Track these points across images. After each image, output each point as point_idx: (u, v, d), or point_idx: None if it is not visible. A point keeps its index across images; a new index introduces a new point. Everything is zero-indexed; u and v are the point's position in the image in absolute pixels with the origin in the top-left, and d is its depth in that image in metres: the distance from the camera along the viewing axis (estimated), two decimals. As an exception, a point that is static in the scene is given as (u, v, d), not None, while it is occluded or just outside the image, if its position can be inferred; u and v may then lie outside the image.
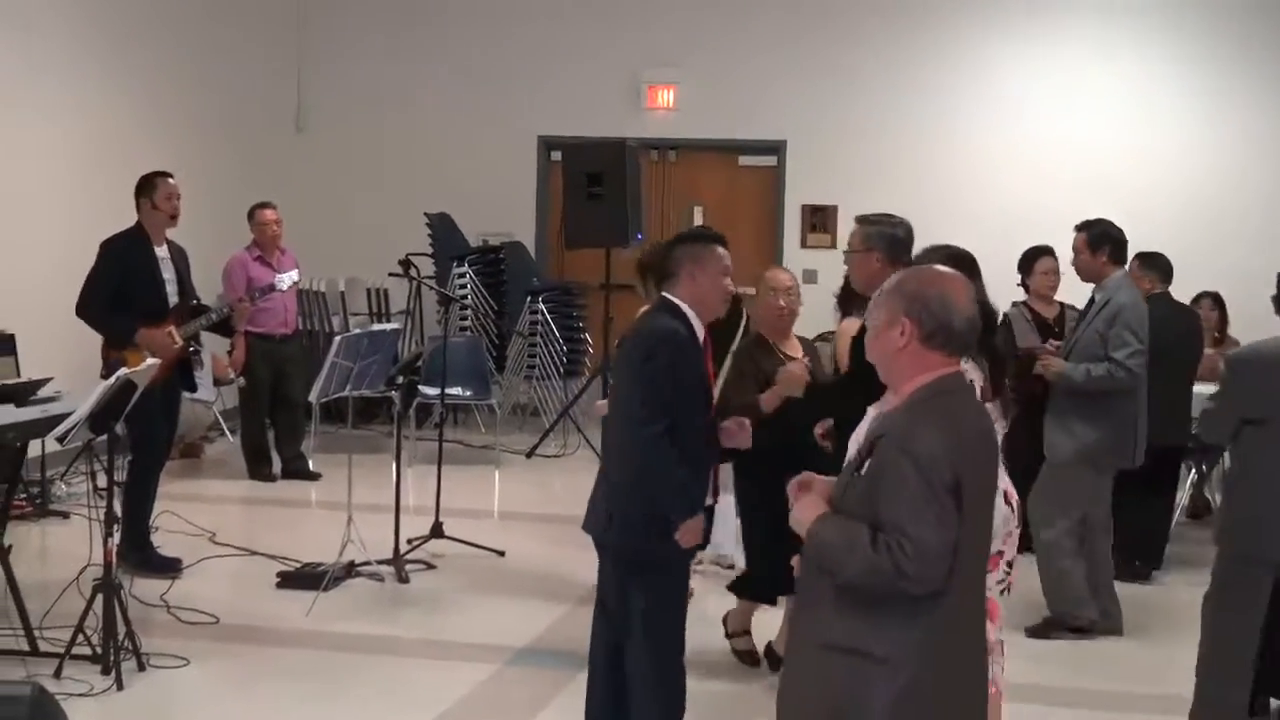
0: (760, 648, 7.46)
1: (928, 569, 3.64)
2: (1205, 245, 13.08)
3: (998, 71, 14.79)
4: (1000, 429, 5.57)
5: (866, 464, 3.78)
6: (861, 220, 6.86)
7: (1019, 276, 9.92)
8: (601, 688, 5.76)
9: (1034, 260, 9.87)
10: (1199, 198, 14.02)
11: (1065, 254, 9.58)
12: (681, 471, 5.46)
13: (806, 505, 3.92)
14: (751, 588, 7.43)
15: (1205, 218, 13.88)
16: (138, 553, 8.64)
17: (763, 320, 7.36)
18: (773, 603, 7.48)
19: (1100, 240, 8.10)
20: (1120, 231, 8.16)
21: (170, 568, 8.74)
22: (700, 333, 5.67)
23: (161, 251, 8.90)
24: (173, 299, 8.86)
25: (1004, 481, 5.54)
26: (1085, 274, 8.23)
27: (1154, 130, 14.51)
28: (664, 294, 5.70)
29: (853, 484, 3.84)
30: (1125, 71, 14.61)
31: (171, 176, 8.99)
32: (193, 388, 9.32)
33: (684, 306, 5.64)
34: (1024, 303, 9.87)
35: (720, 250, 5.73)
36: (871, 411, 4.39)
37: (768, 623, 7.49)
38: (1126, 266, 8.40)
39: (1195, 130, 14.45)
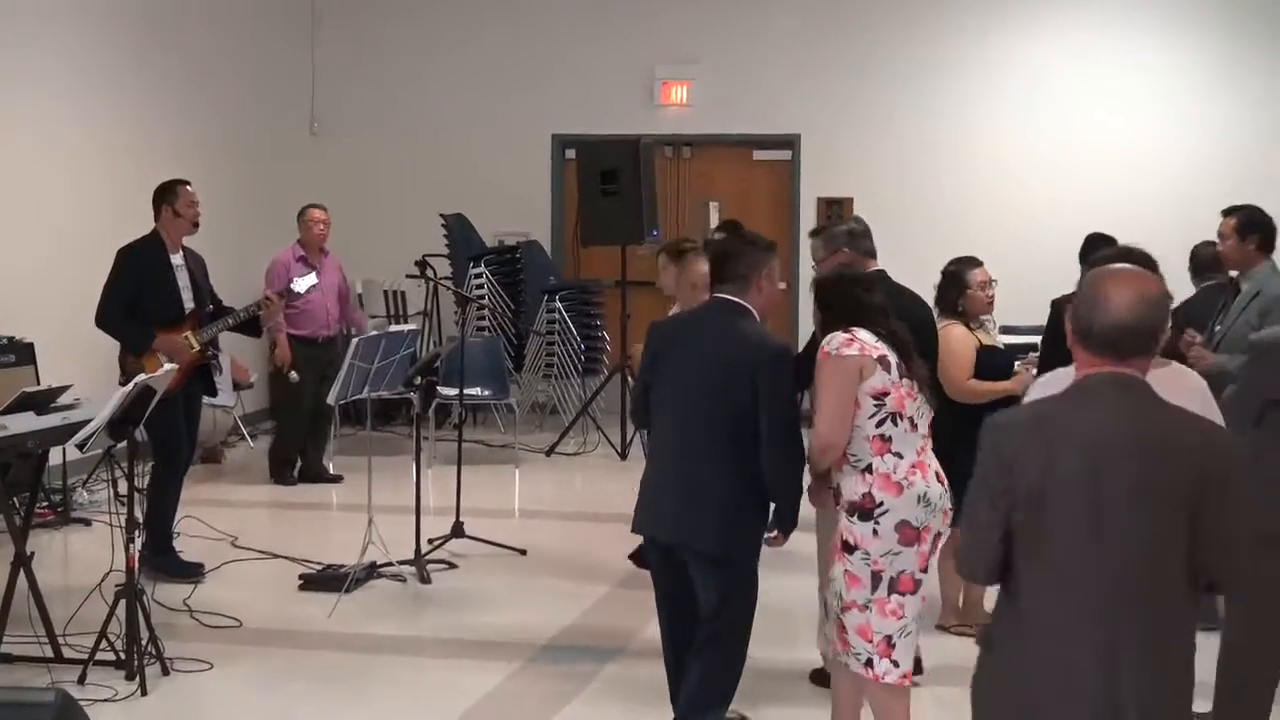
0: None
1: (969, 570, 3.90)
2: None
3: (1011, 62, 14.75)
4: (924, 411, 5.68)
5: None
6: (814, 234, 7.08)
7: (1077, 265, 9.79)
8: None
9: (1093, 249, 9.70)
10: (1228, 186, 14.00)
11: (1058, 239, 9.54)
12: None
13: None
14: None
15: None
16: (161, 558, 8.67)
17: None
18: None
19: (1251, 227, 7.83)
20: (1270, 218, 7.89)
21: (193, 572, 8.77)
22: None
23: (177, 258, 8.93)
24: (188, 304, 8.89)
25: (931, 459, 5.66)
26: (1232, 262, 8.04)
27: (1174, 120, 14.48)
28: (744, 303, 5.86)
29: None
30: (1144, 61, 14.56)
31: (190, 184, 9.03)
32: (213, 392, 9.36)
33: (747, 305, 5.87)
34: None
35: (775, 257, 6.00)
36: None
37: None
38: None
39: (1219, 121, 14.41)
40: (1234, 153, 14.19)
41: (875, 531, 5.51)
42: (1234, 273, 8.06)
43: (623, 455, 12.77)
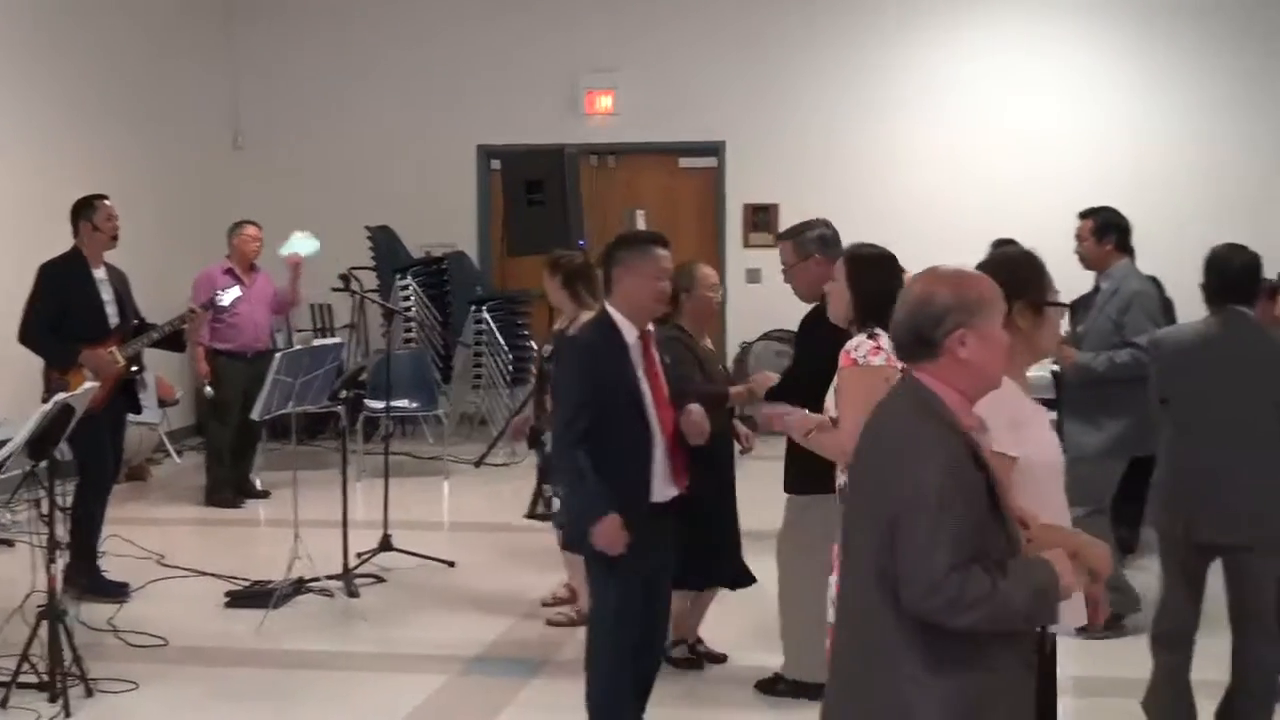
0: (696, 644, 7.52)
1: None
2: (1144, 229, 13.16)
3: (933, 66, 14.84)
4: None
5: None
6: (784, 235, 7.01)
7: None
8: None
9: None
10: (1136, 182, 14.12)
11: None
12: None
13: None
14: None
15: (1143, 200, 13.97)
16: (85, 578, 8.58)
17: (696, 314, 7.31)
18: (698, 586, 7.36)
19: (1107, 229, 8.03)
20: (1125, 219, 8.08)
21: (118, 591, 8.68)
22: (630, 336, 5.76)
23: (100, 274, 8.85)
24: (113, 320, 8.81)
25: None
26: (1089, 262, 8.17)
27: (1087, 118, 14.61)
28: (605, 304, 5.80)
29: None
30: (1060, 63, 14.70)
31: (108, 198, 8.96)
32: (137, 409, 9.27)
33: (614, 313, 5.72)
34: None
35: (655, 251, 5.82)
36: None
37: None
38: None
39: (1130, 114, 14.55)
40: (1160, 153, 14.35)
41: None
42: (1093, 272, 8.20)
43: (553, 465, 12.75)
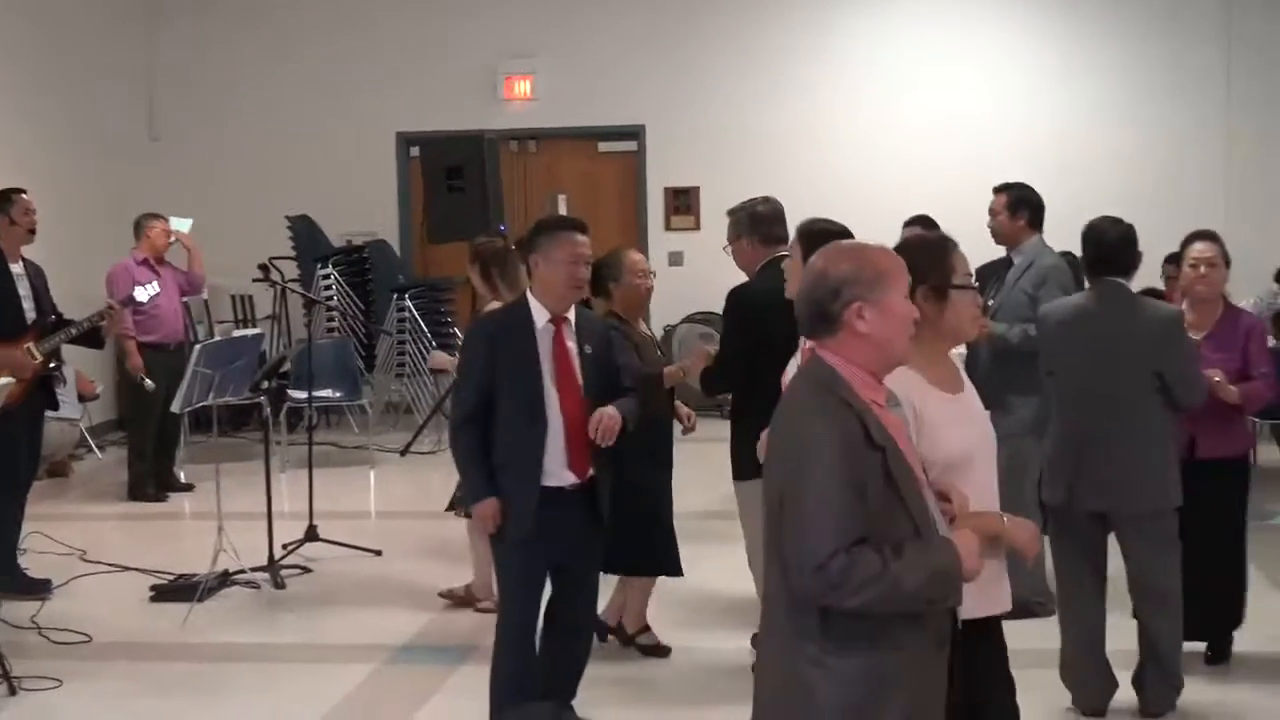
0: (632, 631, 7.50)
1: None
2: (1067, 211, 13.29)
3: (851, 49, 14.93)
4: None
5: None
6: (729, 214, 7.03)
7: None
8: None
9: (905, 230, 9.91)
10: (1053, 163, 14.24)
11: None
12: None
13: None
14: (608, 563, 7.34)
15: (1058, 182, 14.11)
16: (5, 575, 8.51)
17: (628, 300, 7.27)
18: (633, 573, 7.37)
19: (1020, 204, 8.07)
20: (1038, 196, 8.12)
21: (39, 589, 8.60)
22: (540, 320, 5.77)
23: (17, 268, 8.75)
24: (30, 315, 8.71)
25: None
26: (1002, 237, 8.23)
27: (1007, 100, 14.72)
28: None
29: None
30: (982, 44, 14.83)
31: (25, 192, 8.87)
32: (55, 405, 9.17)
33: (531, 298, 5.77)
34: None
35: (569, 236, 5.80)
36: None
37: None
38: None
39: (1048, 96, 14.68)
40: (1082, 136, 14.49)
41: None
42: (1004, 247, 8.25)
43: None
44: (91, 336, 9.14)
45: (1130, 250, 6.35)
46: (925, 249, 4.40)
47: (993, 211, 8.18)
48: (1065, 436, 6.25)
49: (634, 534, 6.90)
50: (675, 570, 7.31)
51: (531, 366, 5.72)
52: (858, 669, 3.46)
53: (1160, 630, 6.28)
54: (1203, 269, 6.76)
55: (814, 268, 3.63)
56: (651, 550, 7.17)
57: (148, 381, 11.04)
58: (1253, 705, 6.59)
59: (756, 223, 6.82)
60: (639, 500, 6.84)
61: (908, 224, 9.65)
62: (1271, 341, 10.71)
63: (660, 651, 7.40)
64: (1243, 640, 7.14)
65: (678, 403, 7.45)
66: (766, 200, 7.01)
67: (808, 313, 3.63)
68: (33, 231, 8.86)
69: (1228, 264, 6.83)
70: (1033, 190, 8.17)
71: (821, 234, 5.62)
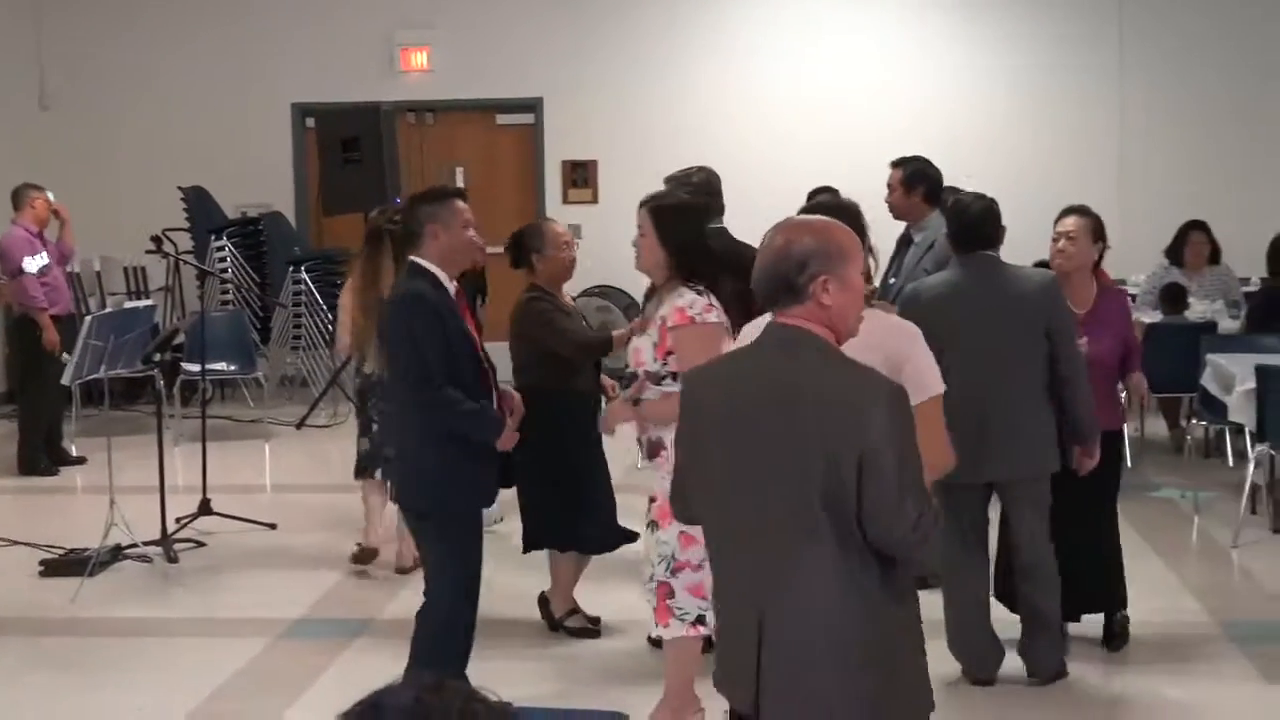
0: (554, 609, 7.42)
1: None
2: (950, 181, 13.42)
3: (744, 20, 14.95)
4: None
5: None
6: (666, 181, 7.03)
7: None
8: None
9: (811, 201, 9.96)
10: (944, 135, 14.37)
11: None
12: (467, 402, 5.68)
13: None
14: (531, 538, 7.28)
15: (950, 154, 14.24)
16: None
17: (552, 271, 7.22)
18: (557, 546, 7.33)
19: (916, 179, 8.09)
20: (936, 171, 8.14)
21: None
22: (451, 288, 5.75)
23: None
24: None
25: None
26: (899, 212, 8.24)
27: (908, 75, 14.82)
28: (411, 258, 5.74)
29: None
30: (880, 17, 14.88)
31: None
32: None
33: (430, 266, 5.69)
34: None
35: (459, 204, 5.81)
36: None
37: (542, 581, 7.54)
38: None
39: (954, 75, 14.78)
40: (982, 114, 14.62)
41: None
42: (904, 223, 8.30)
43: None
44: None
45: (994, 223, 6.44)
46: (846, 214, 4.49)
47: (889, 187, 8.20)
48: (960, 411, 6.23)
49: (560, 511, 6.96)
50: (595, 548, 7.30)
51: (465, 331, 5.75)
52: (913, 616, 3.68)
53: (1045, 595, 6.39)
54: (1062, 243, 6.83)
55: (778, 243, 3.69)
56: (573, 526, 7.17)
57: (66, 355, 10.87)
58: (1139, 677, 6.73)
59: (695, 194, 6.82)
60: (565, 477, 6.86)
61: (813, 195, 9.67)
62: (1159, 316, 10.95)
63: (590, 633, 7.28)
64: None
65: (603, 375, 7.42)
66: (700, 169, 7.04)
67: (772, 286, 3.67)
68: None
69: (1099, 239, 6.88)
70: (929, 164, 8.17)
71: (675, 208, 5.83)
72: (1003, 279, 6.35)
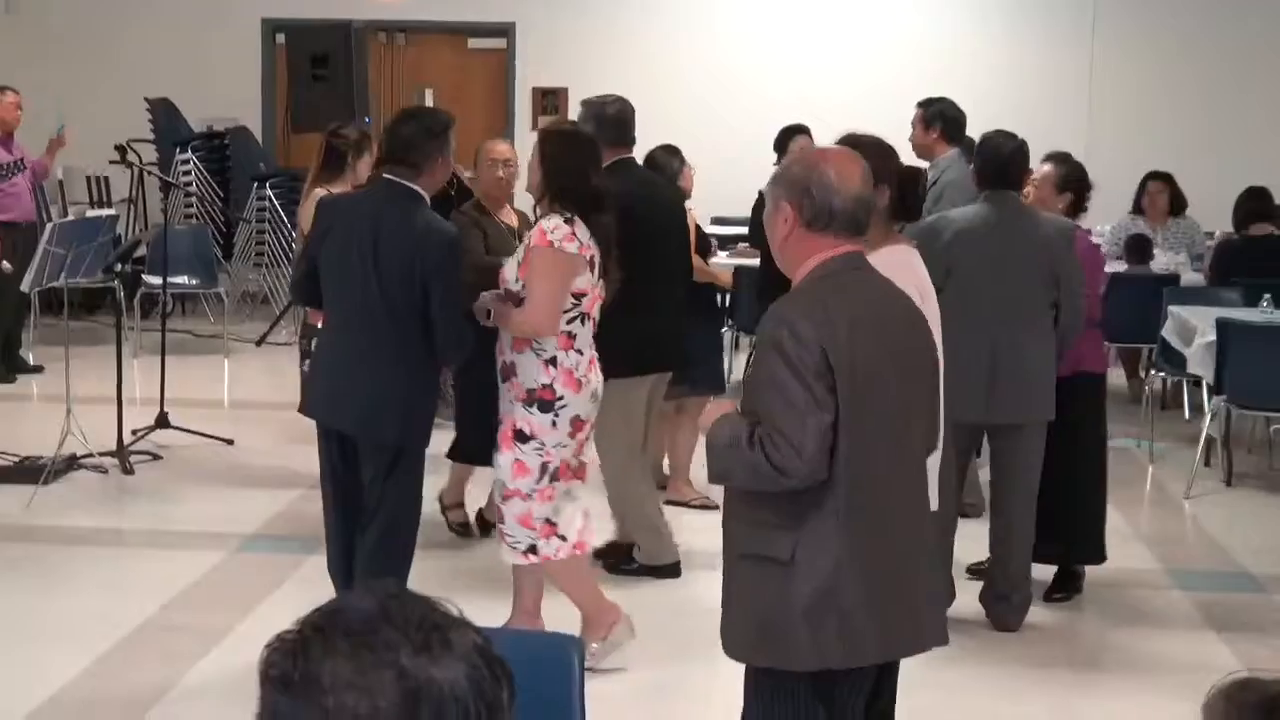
0: (471, 516, 7.68)
1: (797, 459, 3.51)
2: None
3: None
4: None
5: (750, 358, 3.73)
6: (582, 105, 7.05)
7: (775, 155, 10.02)
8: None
9: (788, 139, 9.91)
10: (917, 78, 14.34)
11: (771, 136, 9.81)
12: None
13: (711, 410, 3.82)
14: (464, 452, 7.39)
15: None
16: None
17: (485, 189, 7.42)
18: (488, 464, 7.45)
19: (935, 118, 8.12)
20: (959, 111, 8.16)
21: None
22: None
23: None
24: None
25: (594, 352, 5.80)
26: (917, 150, 8.27)
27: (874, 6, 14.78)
28: (409, 184, 5.59)
29: (746, 382, 3.80)
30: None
31: None
32: None
33: (419, 189, 5.63)
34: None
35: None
36: None
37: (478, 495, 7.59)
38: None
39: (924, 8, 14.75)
40: (944, 50, 14.59)
41: (554, 424, 5.62)
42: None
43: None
44: None
45: (1023, 163, 6.48)
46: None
47: (911, 123, 8.27)
48: (973, 349, 6.05)
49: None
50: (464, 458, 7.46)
51: None
52: None
53: (1021, 543, 6.43)
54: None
55: (865, 171, 3.78)
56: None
57: (4, 264, 10.79)
58: (1089, 623, 6.79)
59: (602, 125, 6.79)
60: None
61: (790, 133, 9.71)
62: (1123, 266, 10.98)
63: (465, 530, 7.65)
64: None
65: None
66: (611, 99, 7.06)
67: (867, 212, 3.78)
68: None
69: (1066, 189, 6.83)
70: (953, 105, 8.22)
71: (561, 137, 5.91)
72: (1025, 220, 6.38)
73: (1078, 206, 6.80)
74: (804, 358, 3.53)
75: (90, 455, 8.54)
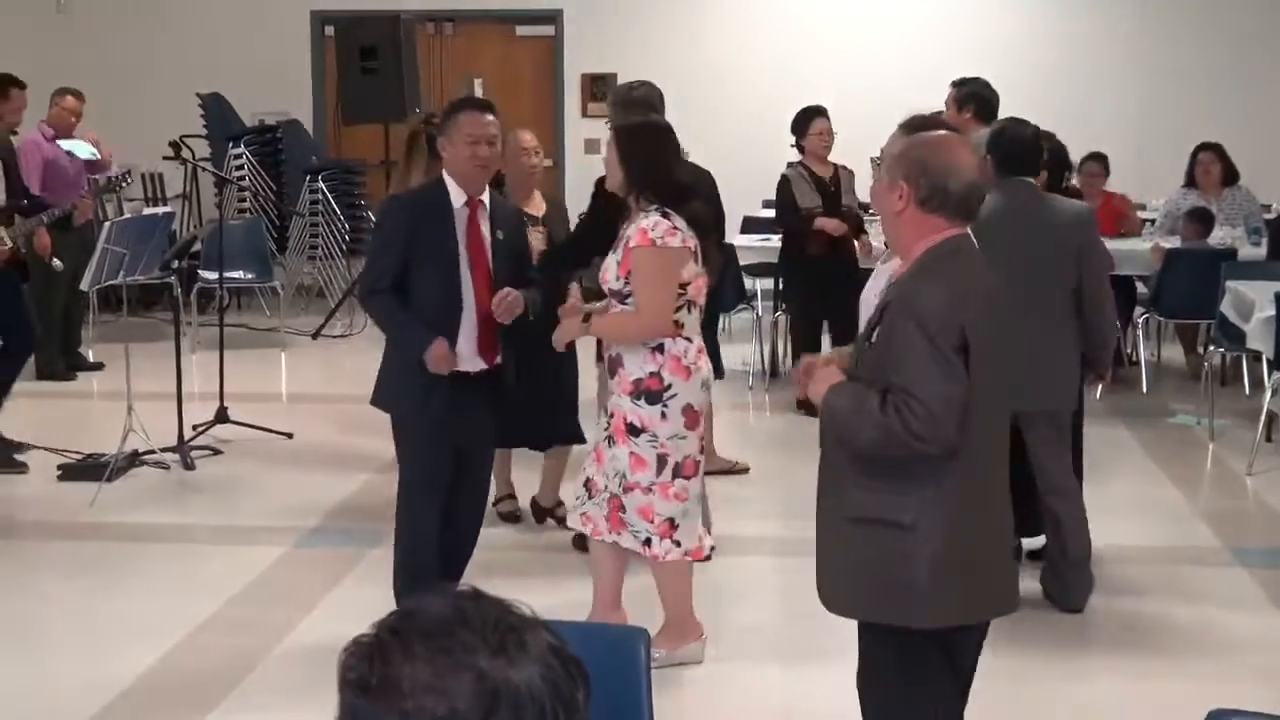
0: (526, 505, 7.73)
1: (937, 427, 3.68)
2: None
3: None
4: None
5: (877, 331, 3.83)
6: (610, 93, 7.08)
7: (793, 138, 10.06)
8: None
9: (808, 121, 9.99)
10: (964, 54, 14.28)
11: (838, 117, 9.82)
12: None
13: (822, 376, 3.96)
14: (503, 436, 7.22)
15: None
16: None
17: (513, 180, 7.25)
18: (541, 448, 7.56)
19: (968, 98, 8.04)
20: (992, 92, 8.09)
21: (12, 465, 8.59)
22: (457, 201, 5.74)
23: None
24: (1, 198, 8.58)
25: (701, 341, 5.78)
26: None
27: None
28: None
29: (865, 352, 3.90)
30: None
31: (25, 88, 8.73)
32: (27, 278, 9.00)
33: (447, 178, 5.72)
34: (800, 163, 10.02)
35: (463, 116, 5.76)
36: (884, 280, 4.66)
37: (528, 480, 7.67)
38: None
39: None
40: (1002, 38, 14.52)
41: (664, 415, 5.57)
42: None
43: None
44: (63, 222, 9.10)
45: (1039, 151, 6.45)
46: None
47: (945, 104, 8.23)
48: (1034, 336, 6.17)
49: (545, 409, 7.10)
50: (580, 436, 7.48)
51: (450, 247, 5.71)
52: None
53: (1074, 525, 6.41)
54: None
55: (977, 158, 3.98)
56: (555, 422, 7.38)
57: (56, 261, 10.85)
58: (1150, 601, 6.76)
59: (628, 106, 6.83)
60: (548, 377, 6.91)
61: (809, 114, 9.74)
62: (1179, 241, 10.91)
63: (514, 518, 7.66)
64: (1139, 534, 7.35)
65: (573, 285, 7.40)
66: (636, 85, 7.06)
67: (979, 198, 3.93)
68: (15, 132, 8.79)
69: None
70: (987, 86, 8.15)
71: (635, 130, 5.87)
72: (1043, 207, 6.35)
73: (1054, 185, 6.69)
74: (944, 332, 3.69)
75: (152, 451, 8.62)
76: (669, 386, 5.57)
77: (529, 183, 7.45)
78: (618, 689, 3.12)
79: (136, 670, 5.81)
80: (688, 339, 5.63)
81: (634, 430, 5.60)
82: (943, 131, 4.08)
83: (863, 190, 9.73)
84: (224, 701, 5.60)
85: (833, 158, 10.05)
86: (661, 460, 5.60)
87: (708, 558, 6.01)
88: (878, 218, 5.13)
